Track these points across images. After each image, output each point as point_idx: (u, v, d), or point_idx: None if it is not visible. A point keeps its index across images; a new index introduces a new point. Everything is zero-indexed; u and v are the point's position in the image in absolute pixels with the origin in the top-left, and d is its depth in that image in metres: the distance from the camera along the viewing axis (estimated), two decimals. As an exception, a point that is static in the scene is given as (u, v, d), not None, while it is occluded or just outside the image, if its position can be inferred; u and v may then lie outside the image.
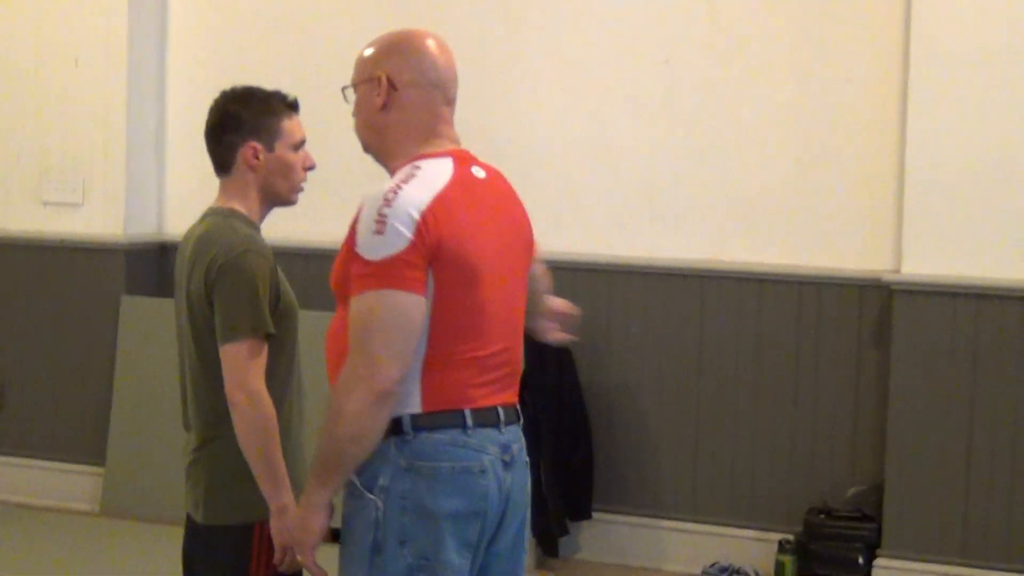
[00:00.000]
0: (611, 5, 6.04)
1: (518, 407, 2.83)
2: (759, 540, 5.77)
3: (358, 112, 2.86)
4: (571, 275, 5.78)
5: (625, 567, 5.96)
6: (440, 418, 2.67)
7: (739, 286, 5.83)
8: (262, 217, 3.20)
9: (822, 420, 5.74)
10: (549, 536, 5.80)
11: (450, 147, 2.81)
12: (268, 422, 2.98)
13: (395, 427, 2.66)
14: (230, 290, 2.99)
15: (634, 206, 6.01)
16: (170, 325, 6.34)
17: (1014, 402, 5.34)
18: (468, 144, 2.90)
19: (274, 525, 3.01)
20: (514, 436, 2.79)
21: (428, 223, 2.62)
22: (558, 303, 3.16)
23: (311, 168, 3.22)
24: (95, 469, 6.71)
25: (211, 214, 3.16)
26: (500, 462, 2.73)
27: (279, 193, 3.18)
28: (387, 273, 2.59)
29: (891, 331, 5.48)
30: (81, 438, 6.76)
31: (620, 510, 6.05)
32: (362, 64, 2.86)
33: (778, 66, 5.80)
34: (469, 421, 2.69)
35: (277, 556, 3.03)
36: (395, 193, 2.64)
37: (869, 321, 5.67)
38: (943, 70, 5.33)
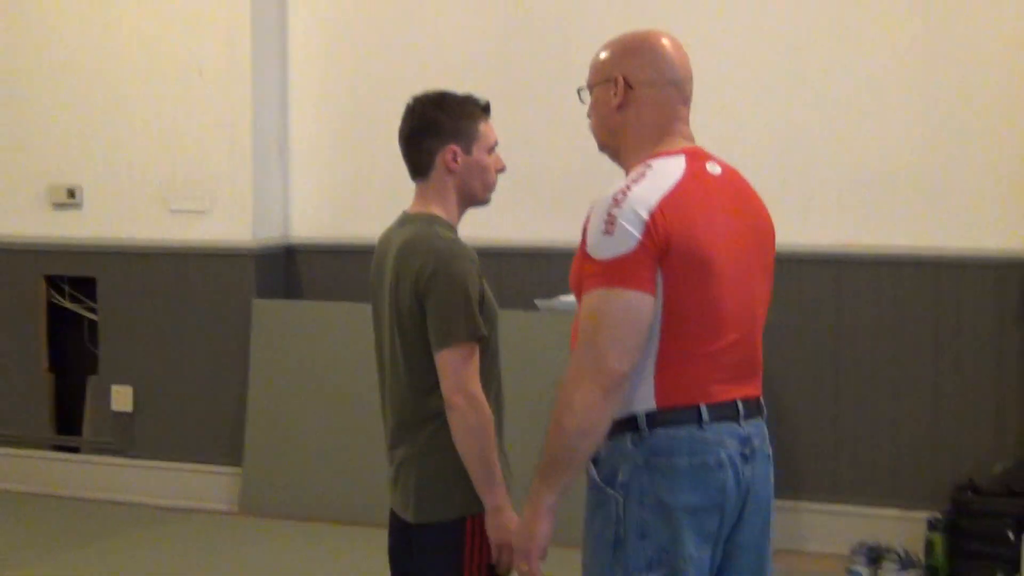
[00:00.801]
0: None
1: (760, 400, 2.87)
2: (904, 519, 5.84)
3: (595, 112, 2.93)
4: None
5: (767, 550, 6.03)
6: (675, 414, 2.72)
7: (876, 270, 5.89)
8: (459, 219, 3.28)
9: (964, 399, 5.80)
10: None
11: (685, 145, 2.86)
12: (486, 424, 3.06)
13: (631, 424, 2.71)
14: (443, 297, 3.06)
15: (768, 190, 6.05)
16: (300, 326, 6.63)
17: None
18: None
19: (490, 524, 3.08)
20: (755, 430, 2.83)
21: (657, 222, 2.67)
22: None
23: (502, 170, 3.29)
24: (233, 470, 6.85)
25: (412, 220, 3.22)
26: (740, 455, 2.76)
27: (475, 194, 3.26)
28: (616, 272, 2.65)
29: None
30: (218, 440, 6.91)
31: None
32: (598, 66, 2.92)
33: (909, 38, 5.85)
34: (705, 416, 2.73)
35: (494, 554, 3.10)
36: (624, 194, 2.70)
37: (1011, 300, 5.72)
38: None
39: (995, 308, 5.75)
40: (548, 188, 6.42)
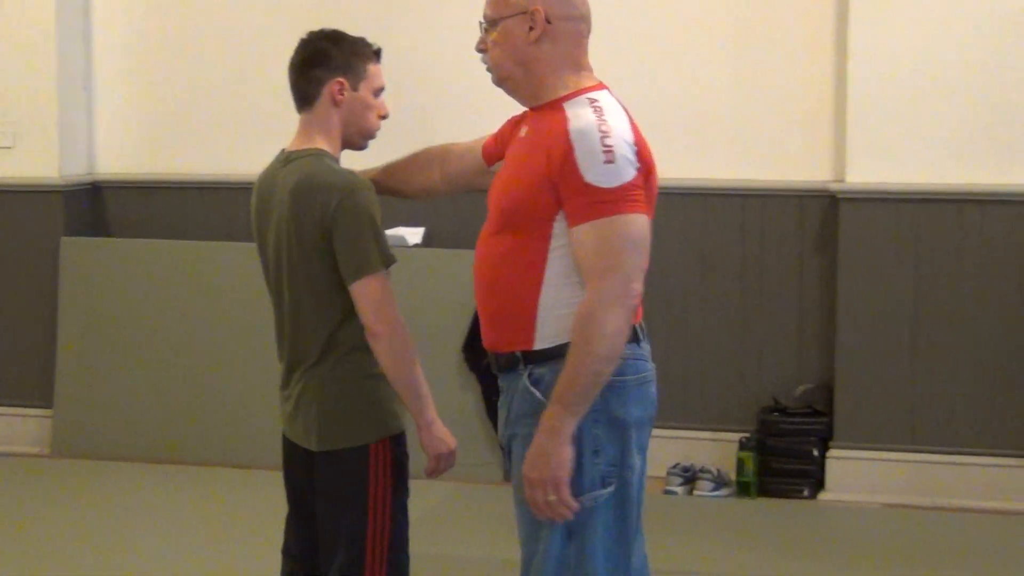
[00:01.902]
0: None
1: None
2: (716, 441, 6.10)
3: (501, 45, 2.94)
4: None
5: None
6: None
7: (685, 201, 6.09)
8: (339, 154, 3.29)
9: (769, 324, 6.06)
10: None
11: (596, 79, 2.95)
12: (410, 346, 3.14)
13: None
14: (352, 228, 3.10)
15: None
16: (110, 265, 6.53)
17: (955, 299, 5.73)
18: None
19: (427, 437, 3.18)
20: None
21: (640, 151, 2.81)
22: None
23: (385, 116, 3.31)
24: (43, 412, 6.72)
25: (302, 155, 3.23)
26: (654, 369, 2.96)
27: (354, 134, 3.28)
28: (624, 197, 2.75)
29: (837, 237, 5.81)
30: (27, 381, 6.76)
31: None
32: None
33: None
34: (641, 335, 2.91)
35: (431, 464, 3.21)
36: (607, 125, 2.79)
37: (812, 229, 5.99)
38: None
39: (797, 237, 6.01)
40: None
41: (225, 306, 6.48)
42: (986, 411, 5.75)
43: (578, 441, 2.79)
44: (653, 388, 2.94)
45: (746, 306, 6.08)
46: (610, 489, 2.84)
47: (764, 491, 5.85)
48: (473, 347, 6.11)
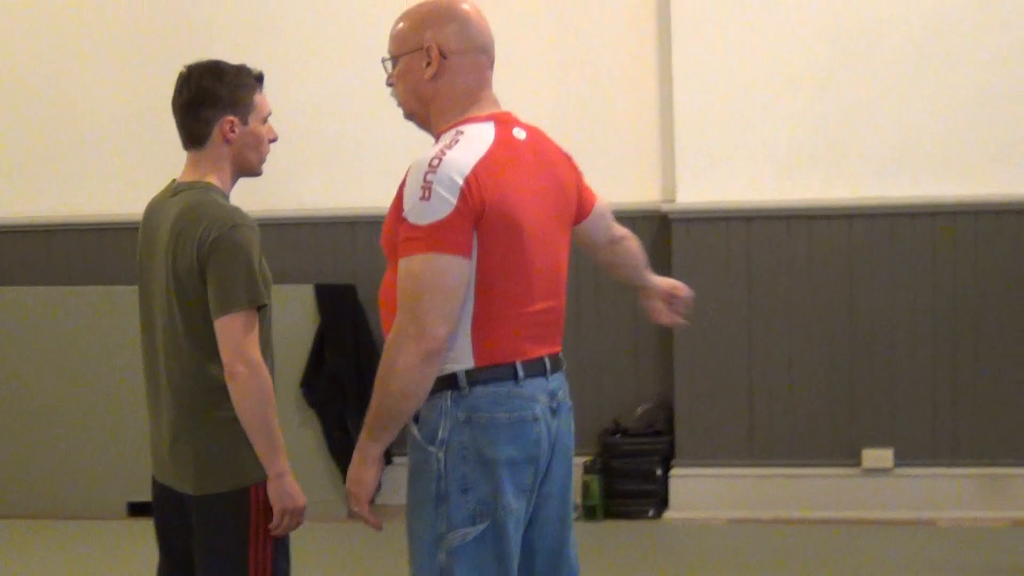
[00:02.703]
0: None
1: (561, 355, 2.96)
2: (559, 465, 6.08)
3: (403, 81, 2.90)
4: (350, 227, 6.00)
5: (427, 506, 6.16)
6: (493, 371, 2.79)
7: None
8: (231, 189, 3.23)
9: (605, 346, 6.09)
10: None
11: (493, 110, 2.89)
12: (267, 390, 3.04)
13: (451, 382, 2.76)
14: (225, 263, 3.02)
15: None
16: None
17: (787, 313, 5.84)
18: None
19: (274, 490, 3.07)
20: (559, 383, 2.93)
21: (472, 187, 2.72)
22: (668, 283, 3.39)
23: (274, 140, 3.26)
24: None
25: (187, 188, 3.16)
26: (548, 409, 2.87)
27: (251, 165, 3.22)
28: (433, 237, 2.70)
29: (670, 256, 5.87)
30: None
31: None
32: (403, 35, 2.90)
33: (541, 4, 6.09)
34: (520, 373, 2.82)
35: (276, 520, 3.09)
36: (439, 159, 2.73)
37: (644, 249, 6.02)
38: (705, 9, 5.76)
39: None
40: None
41: (48, 352, 6.29)
42: (820, 423, 5.86)
43: (446, 478, 2.76)
44: (537, 428, 2.85)
45: (582, 328, 6.10)
46: (481, 527, 2.79)
47: (610, 513, 5.86)
48: (310, 382, 6.04)
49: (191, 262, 3.04)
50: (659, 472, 5.92)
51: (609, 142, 6.03)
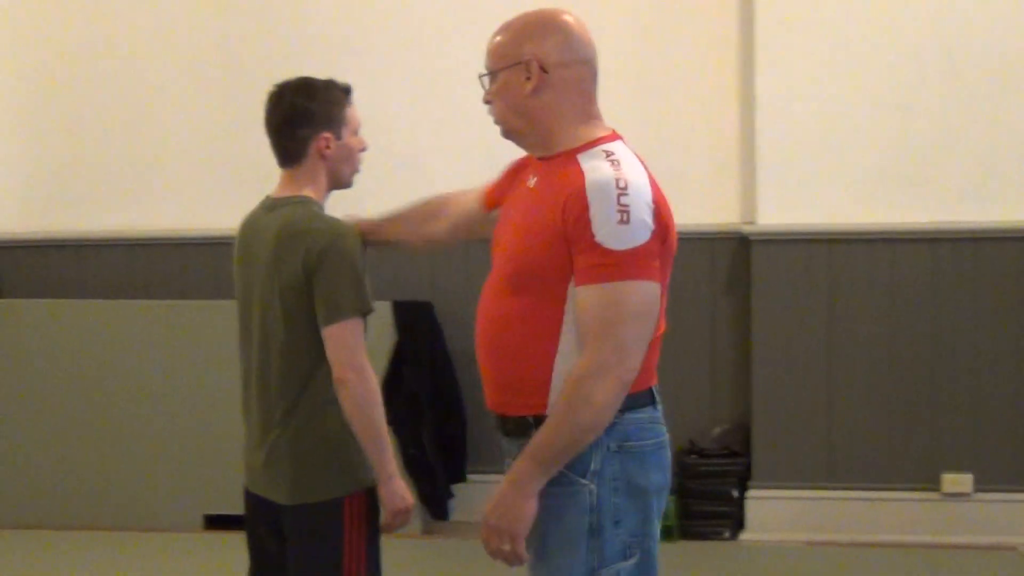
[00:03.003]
0: None
1: None
2: (634, 485, 6.08)
3: (502, 98, 2.80)
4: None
5: (500, 524, 6.17)
6: (638, 398, 2.71)
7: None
8: (325, 201, 3.27)
9: (683, 367, 6.07)
10: (437, 500, 5.97)
11: (608, 128, 2.80)
12: (377, 396, 3.07)
13: None
14: (334, 273, 3.06)
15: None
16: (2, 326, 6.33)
17: (867, 335, 5.82)
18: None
19: (384, 491, 3.11)
20: None
21: (658, 210, 2.65)
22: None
23: (364, 150, 3.29)
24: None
25: (285, 203, 3.19)
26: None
27: (343, 178, 3.26)
28: (634, 262, 2.60)
29: (749, 278, 5.87)
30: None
31: (492, 470, 6.26)
32: (501, 49, 2.79)
33: (622, 28, 6.10)
34: (656, 398, 2.78)
35: (387, 519, 3.12)
36: (626, 182, 2.63)
37: (723, 271, 6.05)
38: (788, 33, 5.77)
39: (709, 279, 6.06)
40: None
41: (128, 365, 6.34)
42: (900, 447, 5.84)
43: (599, 511, 2.69)
44: (668, 453, 2.81)
45: (660, 349, 6.08)
46: (632, 560, 2.72)
47: (686, 534, 5.86)
48: (388, 400, 6.01)
49: (297, 274, 3.08)
50: (735, 493, 5.92)
51: (690, 163, 6.04)
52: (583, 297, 2.63)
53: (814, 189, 5.79)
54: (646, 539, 2.73)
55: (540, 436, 2.64)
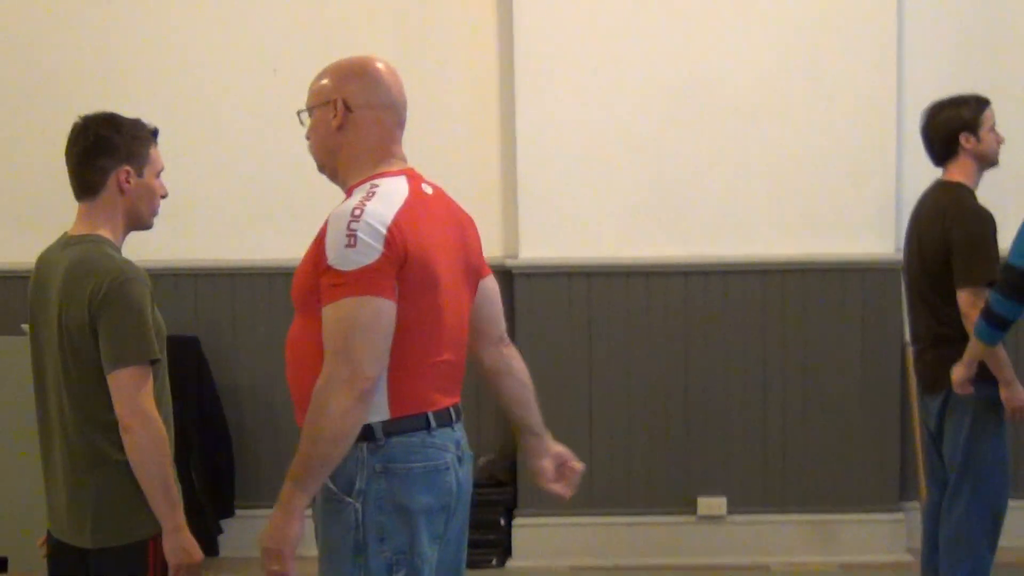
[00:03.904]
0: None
1: (460, 406, 3.07)
2: (402, 516, 6.14)
3: (314, 133, 3.03)
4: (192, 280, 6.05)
5: (269, 558, 6.17)
6: (408, 423, 2.87)
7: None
8: (122, 242, 3.25)
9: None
10: (207, 536, 5.92)
11: (402, 166, 3.02)
12: (162, 443, 3.06)
13: (367, 433, 2.83)
14: (117, 317, 3.04)
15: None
16: None
17: (625, 365, 6.01)
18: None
19: (169, 545, 3.08)
20: (462, 433, 3.05)
21: (395, 235, 2.82)
22: (562, 451, 3.44)
23: (165, 196, 3.30)
24: None
25: (78, 241, 3.17)
26: (456, 458, 2.98)
27: (142, 218, 3.25)
28: (361, 281, 2.78)
29: (513, 310, 6.01)
30: None
31: (261, 504, 6.25)
32: (317, 89, 3.02)
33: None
34: (433, 423, 2.91)
35: (172, 574, 3.09)
36: (361, 210, 2.83)
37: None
38: (546, 70, 5.95)
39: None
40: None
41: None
42: (657, 472, 6.04)
43: (363, 528, 2.82)
44: (449, 476, 2.94)
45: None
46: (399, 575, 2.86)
47: (454, 563, 5.94)
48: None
49: (82, 316, 3.07)
50: (502, 522, 6.03)
51: (453, 197, 6.12)
52: (324, 316, 2.83)
53: (574, 224, 5.97)
54: (414, 557, 2.88)
55: (296, 457, 2.80)
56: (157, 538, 3.11)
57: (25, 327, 5.83)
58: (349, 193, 2.97)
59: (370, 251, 2.80)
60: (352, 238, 2.80)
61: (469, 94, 6.18)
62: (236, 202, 6.24)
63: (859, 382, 6.00)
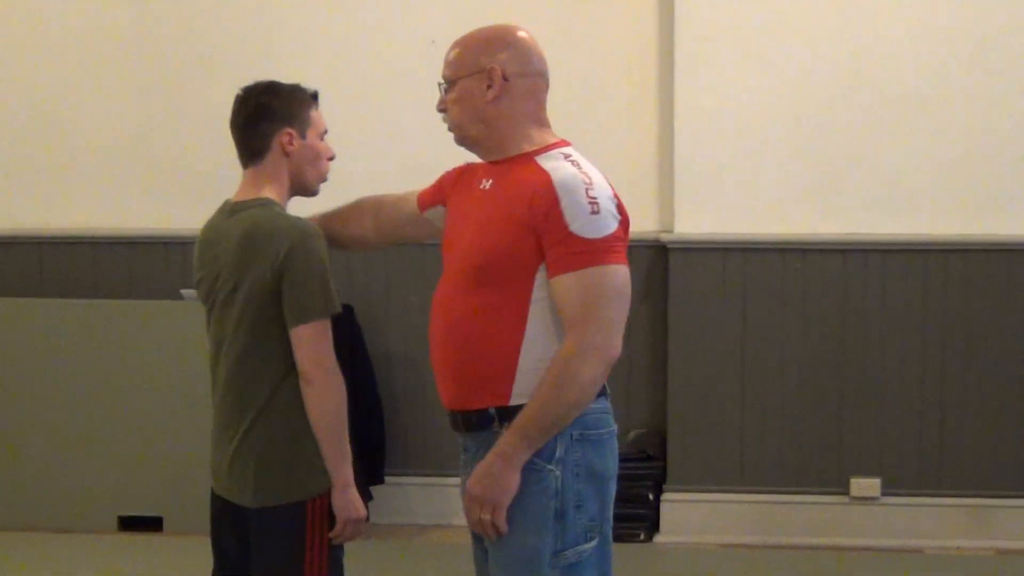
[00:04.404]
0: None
1: None
2: (550, 487, 6.16)
3: (461, 104, 2.96)
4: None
5: (418, 526, 6.25)
6: None
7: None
8: (286, 205, 3.26)
9: (600, 372, 6.18)
10: (358, 502, 6.00)
11: (557, 136, 2.99)
12: (342, 397, 3.10)
13: None
14: (301, 273, 3.06)
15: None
16: None
17: (780, 343, 5.95)
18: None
19: (339, 499, 3.13)
20: None
21: (620, 205, 2.85)
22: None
23: (332, 158, 3.31)
24: None
25: (246, 207, 3.20)
26: None
27: (307, 182, 3.27)
28: (612, 249, 2.78)
29: (667, 285, 5.98)
30: None
31: (410, 472, 6.33)
32: (461, 59, 2.97)
33: (543, 35, 6.13)
34: (607, 391, 2.93)
35: (339, 528, 3.14)
36: (589, 178, 2.81)
37: (641, 277, 6.13)
38: (707, 46, 5.89)
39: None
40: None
41: (39, 364, 6.30)
42: (809, 451, 5.98)
43: (562, 495, 2.82)
44: (617, 443, 2.96)
45: (577, 354, 6.17)
46: (593, 543, 2.85)
47: (602, 536, 5.94)
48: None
49: (266, 277, 3.10)
50: (651, 496, 6.02)
51: (609, 171, 5.81)
52: (563, 285, 2.78)
53: (730, 200, 5.91)
54: (604, 523, 2.90)
55: (528, 412, 2.80)
56: (315, 499, 3.14)
57: (187, 292, 5.99)
58: (523, 161, 2.91)
59: (612, 219, 2.80)
60: (595, 205, 2.77)
61: (628, 67, 6.14)
62: (382, 174, 6.28)
63: (1021, 366, 5.86)
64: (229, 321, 3.19)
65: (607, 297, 2.77)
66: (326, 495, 3.15)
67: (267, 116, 3.21)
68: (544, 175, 2.83)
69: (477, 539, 3.02)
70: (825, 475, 5.97)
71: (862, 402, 5.94)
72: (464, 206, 3.02)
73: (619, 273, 2.79)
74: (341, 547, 3.21)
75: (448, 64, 3.00)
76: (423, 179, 3.24)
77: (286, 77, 6.20)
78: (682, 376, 6.00)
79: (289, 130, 3.21)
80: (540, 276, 2.82)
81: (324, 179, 3.31)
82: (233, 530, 3.24)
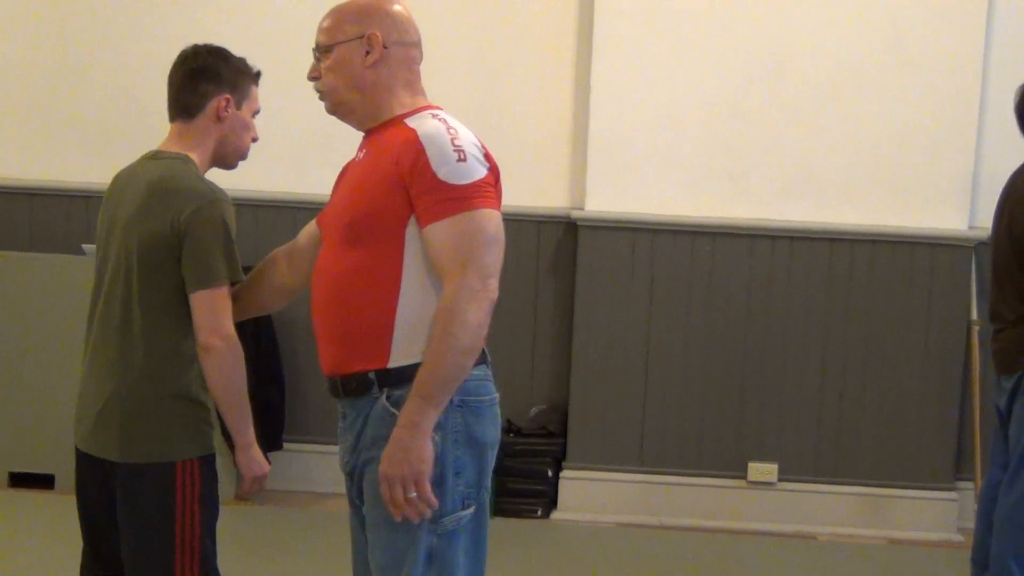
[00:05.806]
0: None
1: None
2: (450, 461, 6.14)
3: (336, 71, 2.94)
4: (253, 210, 6.02)
5: (315, 494, 6.21)
6: (479, 355, 2.82)
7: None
8: (205, 172, 3.23)
9: (503, 346, 6.13)
10: (253, 468, 5.94)
11: (430, 102, 2.98)
12: (241, 364, 3.08)
13: None
14: (206, 238, 3.03)
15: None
16: None
17: (685, 326, 5.97)
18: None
19: (244, 459, 3.13)
20: None
21: (488, 155, 2.84)
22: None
23: (256, 140, 3.30)
24: None
25: (165, 157, 3.17)
26: None
27: (228, 152, 3.25)
28: (482, 193, 2.76)
29: (575, 262, 5.96)
30: None
31: (308, 439, 6.27)
32: (337, 27, 2.95)
33: (458, 11, 6.14)
34: (487, 358, 2.89)
35: (245, 486, 3.15)
36: (453, 129, 2.81)
37: (548, 253, 6.13)
38: (626, 24, 5.86)
39: (534, 261, 6.14)
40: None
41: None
42: (710, 435, 6.01)
43: (442, 462, 2.77)
44: (498, 411, 2.93)
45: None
46: (470, 511, 2.84)
47: (499, 511, 5.93)
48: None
49: (164, 232, 3.06)
50: (550, 473, 6.02)
51: (523, 147, 6.09)
52: (436, 233, 2.76)
53: (642, 179, 5.91)
54: (481, 491, 2.87)
55: (423, 373, 2.74)
56: (185, 462, 3.10)
57: (88, 247, 5.89)
58: (393, 124, 2.90)
59: (479, 165, 2.79)
60: (461, 152, 2.77)
61: (546, 41, 6.11)
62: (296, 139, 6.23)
63: (921, 357, 5.94)
64: (117, 267, 3.15)
65: (481, 241, 2.73)
66: (197, 459, 3.12)
67: (212, 78, 3.20)
68: (411, 131, 2.83)
69: (354, 506, 2.99)
70: (724, 459, 6.01)
71: (763, 387, 5.99)
72: (344, 179, 3.03)
73: (492, 217, 2.76)
74: (214, 514, 3.19)
75: (323, 31, 2.98)
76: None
77: (199, 38, 6.15)
78: (585, 354, 6.00)
79: (228, 96, 3.20)
80: (411, 232, 2.79)
81: (244, 156, 3.29)
82: (99, 488, 3.19)
